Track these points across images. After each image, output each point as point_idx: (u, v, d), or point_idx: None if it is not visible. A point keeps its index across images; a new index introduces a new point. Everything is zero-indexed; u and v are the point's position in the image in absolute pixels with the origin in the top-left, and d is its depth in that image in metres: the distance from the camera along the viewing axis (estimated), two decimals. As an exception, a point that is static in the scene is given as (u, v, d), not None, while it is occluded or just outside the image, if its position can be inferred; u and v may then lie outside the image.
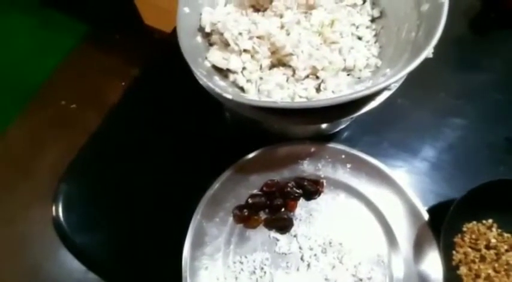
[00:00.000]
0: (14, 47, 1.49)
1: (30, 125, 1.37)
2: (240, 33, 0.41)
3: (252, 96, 0.40)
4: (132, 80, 0.58)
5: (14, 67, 1.45)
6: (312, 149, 0.47)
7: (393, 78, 0.33)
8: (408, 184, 0.46)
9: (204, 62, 0.41)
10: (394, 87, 0.38)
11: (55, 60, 1.46)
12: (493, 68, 0.57)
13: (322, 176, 0.47)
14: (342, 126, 0.50)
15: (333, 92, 0.40)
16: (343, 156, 0.47)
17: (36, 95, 1.41)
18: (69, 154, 0.52)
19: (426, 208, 0.45)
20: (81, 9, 1.48)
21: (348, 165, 0.47)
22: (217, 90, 0.36)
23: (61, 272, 1.17)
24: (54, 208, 0.48)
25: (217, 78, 0.40)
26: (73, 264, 1.17)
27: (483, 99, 0.55)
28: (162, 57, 0.60)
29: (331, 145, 0.47)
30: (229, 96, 0.35)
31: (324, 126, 0.47)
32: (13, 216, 1.23)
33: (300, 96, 0.40)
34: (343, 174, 0.47)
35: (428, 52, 0.33)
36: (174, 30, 0.59)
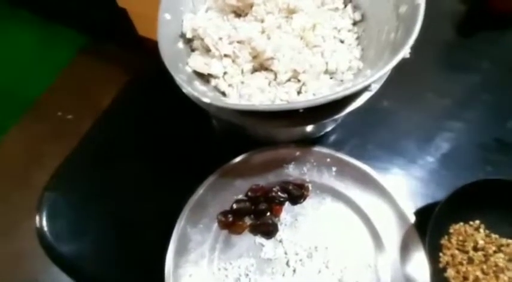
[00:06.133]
0: (12, 58, 1.50)
1: (26, 136, 1.37)
2: (220, 38, 0.41)
3: (232, 100, 0.40)
4: (120, 89, 0.58)
5: (11, 78, 1.46)
6: (297, 153, 0.47)
7: (371, 79, 0.33)
8: (395, 186, 0.45)
9: (185, 68, 0.41)
10: (375, 88, 0.38)
11: (52, 72, 1.47)
12: (481, 69, 0.57)
13: (308, 180, 0.47)
14: (328, 130, 0.50)
15: (313, 94, 0.40)
16: (328, 159, 0.46)
17: (32, 106, 1.42)
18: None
19: (414, 210, 0.45)
20: (78, 21, 1.50)
21: (334, 169, 0.46)
22: (196, 94, 0.36)
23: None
24: (38, 218, 0.48)
25: (197, 83, 0.40)
26: (68, 278, 1.15)
27: (472, 100, 0.54)
28: (151, 65, 0.60)
29: (317, 149, 0.47)
30: (207, 100, 0.35)
31: (309, 129, 0.47)
32: (8, 229, 1.21)
33: (281, 100, 0.40)
34: (328, 178, 0.47)
35: (405, 52, 0.33)
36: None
